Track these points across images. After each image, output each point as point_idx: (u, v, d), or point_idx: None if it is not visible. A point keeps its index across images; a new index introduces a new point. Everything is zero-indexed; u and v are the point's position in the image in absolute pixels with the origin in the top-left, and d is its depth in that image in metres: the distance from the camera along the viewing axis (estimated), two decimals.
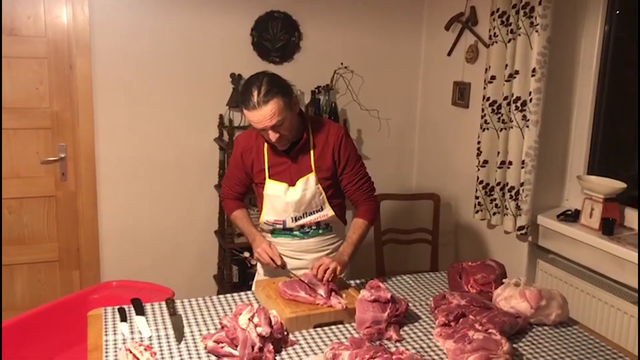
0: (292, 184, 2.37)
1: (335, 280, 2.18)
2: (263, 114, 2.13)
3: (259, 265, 2.60)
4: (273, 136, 2.21)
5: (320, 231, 2.46)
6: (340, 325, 2.04)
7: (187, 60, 3.53)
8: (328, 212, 2.41)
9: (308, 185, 2.36)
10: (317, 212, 2.41)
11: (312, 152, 2.37)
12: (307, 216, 2.40)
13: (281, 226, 2.42)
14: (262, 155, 2.39)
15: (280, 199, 2.37)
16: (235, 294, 2.29)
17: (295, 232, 2.44)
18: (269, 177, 2.38)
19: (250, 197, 2.93)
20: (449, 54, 3.68)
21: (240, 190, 2.53)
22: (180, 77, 3.54)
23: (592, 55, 2.96)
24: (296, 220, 2.40)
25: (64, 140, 3.45)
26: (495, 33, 3.00)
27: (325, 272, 2.14)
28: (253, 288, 2.57)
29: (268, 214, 2.42)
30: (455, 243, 3.76)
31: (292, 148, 2.35)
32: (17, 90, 3.31)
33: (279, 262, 2.28)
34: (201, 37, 3.53)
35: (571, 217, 2.94)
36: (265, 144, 2.38)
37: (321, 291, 2.10)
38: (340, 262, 2.22)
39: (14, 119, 3.33)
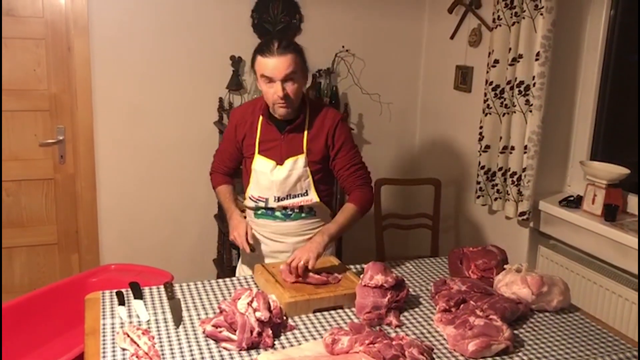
0: (280, 162, 2.34)
1: (306, 276, 2.11)
2: (280, 61, 2.17)
3: (241, 252, 2.57)
4: (280, 90, 2.19)
5: (303, 214, 2.42)
6: (339, 310, 2.03)
7: (187, 42, 3.49)
8: (313, 197, 2.37)
9: (296, 166, 2.33)
10: (301, 195, 2.37)
11: (306, 133, 2.34)
12: (290, 198, 2.37)
13: (264, 204, 2.39)
14: (256, 129, 2.38)
15: (266, 176, 2.34)
16: (234, 278, 2.27)
17: (277, 213, 2.40)
18: (258, 153, 2.36)
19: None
20: (452, 37, 3.63)
21: (230, 165, 2.54)
22: (180, 59, 3.50)
23: (597, 39, 2.92)
24: (279, 201, 2.36)
25: (63, 122, 3.42)
26: (499, 16, 2.96)
27: (297, 268, 2.09)
28: (237, 273, 2.57)
29: (253, 189, 2.40)
30: (456, 228, 3.75)
31: (286, 126, 2.33)
32: (15, 72, 3.27)
33: (247, 250, 2.27)
34: (201, 19, 3.48)
35: (573, 203, 2.91)
36: (261, 119, 2.37)
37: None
38: (313, 251, 2.13)
39: (12, 101, 3.30)
